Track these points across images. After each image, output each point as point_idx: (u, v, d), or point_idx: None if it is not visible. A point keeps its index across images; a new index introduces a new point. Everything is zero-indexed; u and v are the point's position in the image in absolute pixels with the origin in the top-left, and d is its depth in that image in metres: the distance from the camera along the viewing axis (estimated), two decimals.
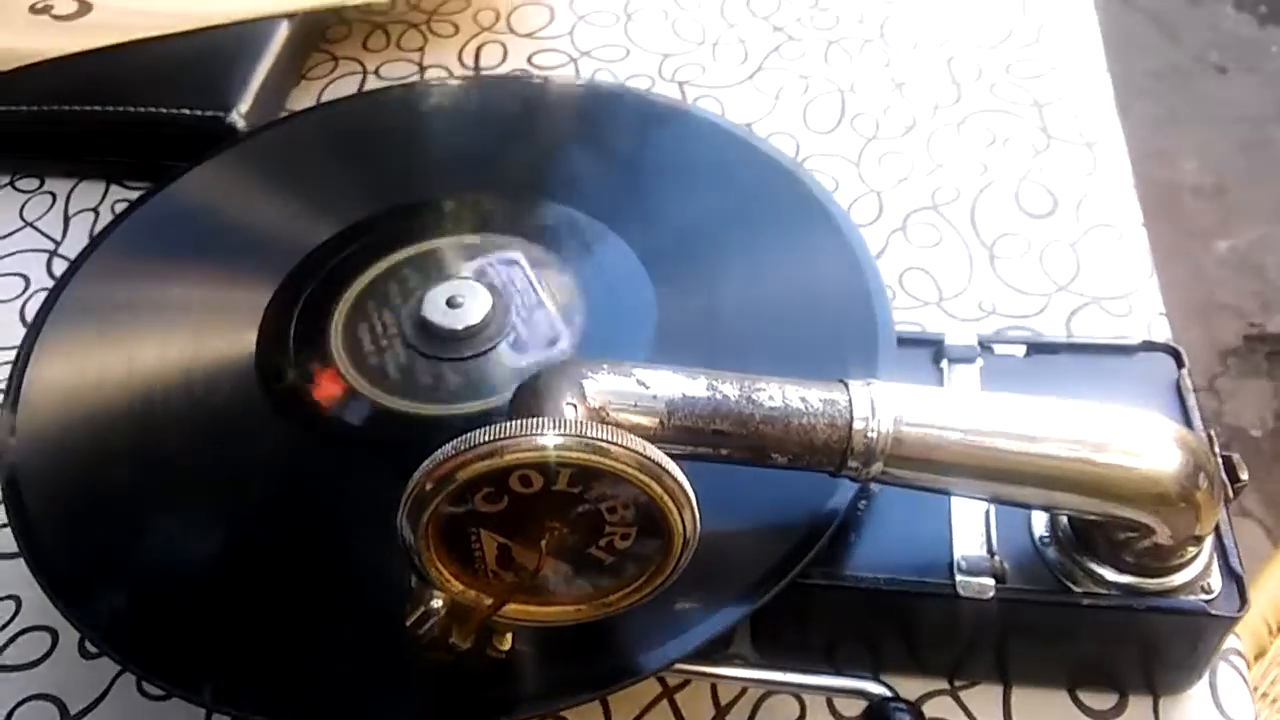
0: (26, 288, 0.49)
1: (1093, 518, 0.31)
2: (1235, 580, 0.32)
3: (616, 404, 0.28)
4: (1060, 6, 0.58)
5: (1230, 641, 0.35)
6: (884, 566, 0.33)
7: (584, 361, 0.29)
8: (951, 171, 0.51)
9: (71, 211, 0.53)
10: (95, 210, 0.53)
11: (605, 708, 0.36)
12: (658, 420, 0.28)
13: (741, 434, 0.29)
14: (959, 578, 0.32)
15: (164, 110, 0.52)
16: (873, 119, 0.54)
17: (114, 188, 0.54)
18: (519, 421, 0.24)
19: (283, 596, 0.33)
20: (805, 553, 0.31)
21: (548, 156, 0.46)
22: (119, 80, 0.53)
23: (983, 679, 0.36)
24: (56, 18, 0.55)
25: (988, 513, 0.34)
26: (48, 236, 0.52)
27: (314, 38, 0.60)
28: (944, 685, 0.36)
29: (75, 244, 0.51)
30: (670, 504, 0.26)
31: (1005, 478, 0.30)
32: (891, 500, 0.34)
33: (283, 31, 0.56)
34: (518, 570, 0.27)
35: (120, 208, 0.53)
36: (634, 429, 0.28)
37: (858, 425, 0.29)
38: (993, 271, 0.47)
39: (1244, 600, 0.31)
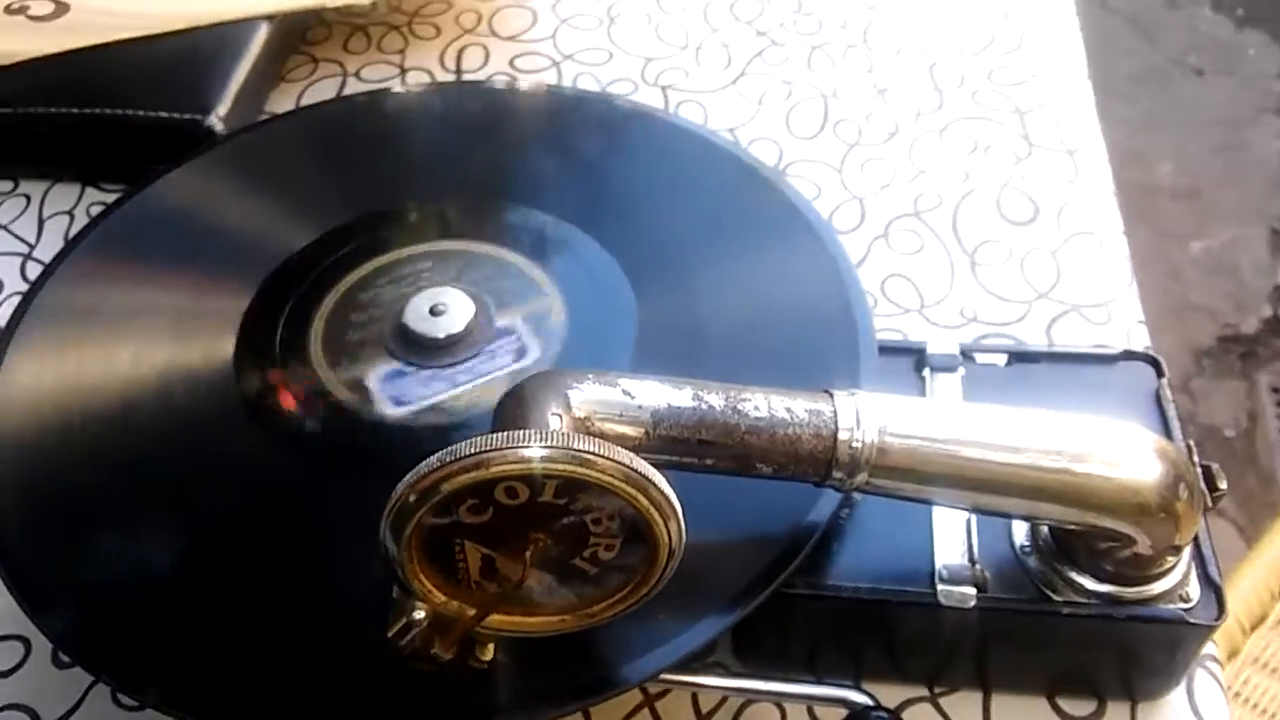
0: None
1: (1073, 528, 0.31)
2: (1213, 589, 0.32)
3: (601, 414, 0.28)
4: (1042, 13, 0.59)
5: (1207, 648, 0.35)
6: (866, 575, 0.33)
7: (569, 371, 0.29)
8: (933, 178, 0.51)
9: (46, 214, 0.52)
10: (70, 213, 0.52)
11: (586, 715, 0.36)
12: (643, 430, 0.28)
13: (727, 444, 0.29)
14: (940, 587, 0.32)
15: (141, 113, 0.51)
16: (855, 125, 0.54)
17: (89, 190, 0.53)
18: (504, 434, 0.24)
19: (260, 607, 0.32)
20: (789, 562, 0.31)
21: (531, 164, 0.46)
22: (95, 82, 0.52)
23: (963, 686, 0.36)
24: (32, 18, 0.54)
25: (969, 522, 0.34)
26: (21, 240, 0.51)
27: (294, 39, 0.60)
28: (924, 692, 0.36)
29: (50, 247, 0.51)
30: (656, 516, 0.25)
31: (988, 488, 0.30)
32: (873, 509, 0.34)
33: (262, 33, 0.55)
34: (501, 581, 0.27)
35: (96, 211, 0.52)
36: (619, 439, 0.28)
37: (843, 436, 0.29)
38: (974, 279, 0.47)
39: (1222, 609, 0.32)
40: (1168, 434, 0.35)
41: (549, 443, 0.24)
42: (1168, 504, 0.29)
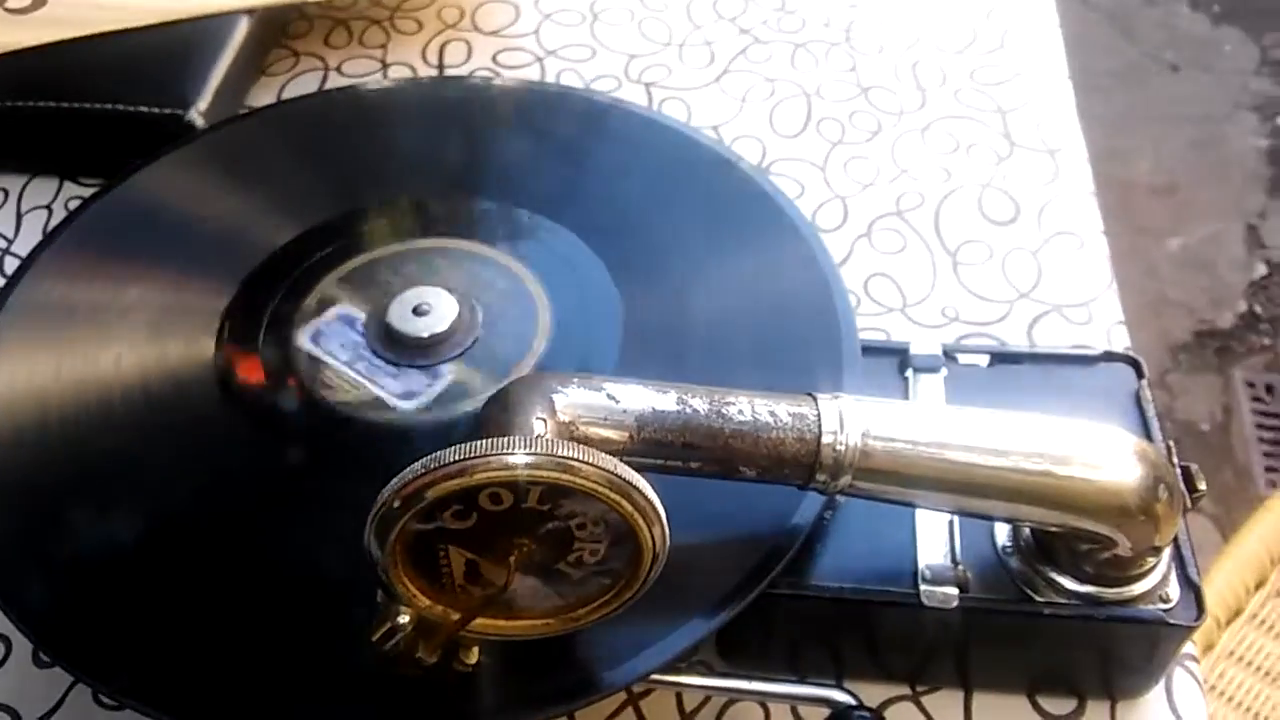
0: None
1: (1055, 529, 0.31)
2: (1193, 590, 0.32)
3: (586, 418, 0.28)
4: (1024, 13, 0.59)
5: (1186, 647, 0.36)
6: (849, 576, 0.33)
7: (554, 375, 0.29)
8: (916, 177, 0.51)
9: (24, 208, 0.52)
10: (49, 207, 0.52)
11: (570, 714, 0.36)
12: (627, 434, 0.28)
13: (711, 448, 0.29)
14: (923, 587, 0.33)
15: (121, 107, 0.51)
16: (838, 123, 0.54)
17: (68, 184, 0.53)
18: (488, 440, 0.24)
19: (242, 608, 0.32)
20: (774, 564, 0.31)
21: (516, 161, 0.46)
22: (74, 76, 0.52)
23: (944, 684, 0.36)
24: (10, 10, 0.54)
25: (952, 522, 0.34)
26: (0, 235, 0.51)
27: (275, 33, 0.59)
28: (906, 691, 0.36)
29: (28, 241, 0.50)
30: (640, 521, 0.26)
31: (970, 491, 0.30)
32: (857, 510, 0.34)
33: (243, 27, 0.55)
34: (486, 585, 0.27)
35: (74, 205, 0.52)
36: (604, 443, 0.28)
37: (826, 439, 0.29)
38: (956, 278, 0.47)
39: (1201, 610, 0.32)
40: (1148, 435, 0.36)
41: (533, 449, 0.24)
42: (1148, 506, 0.30)
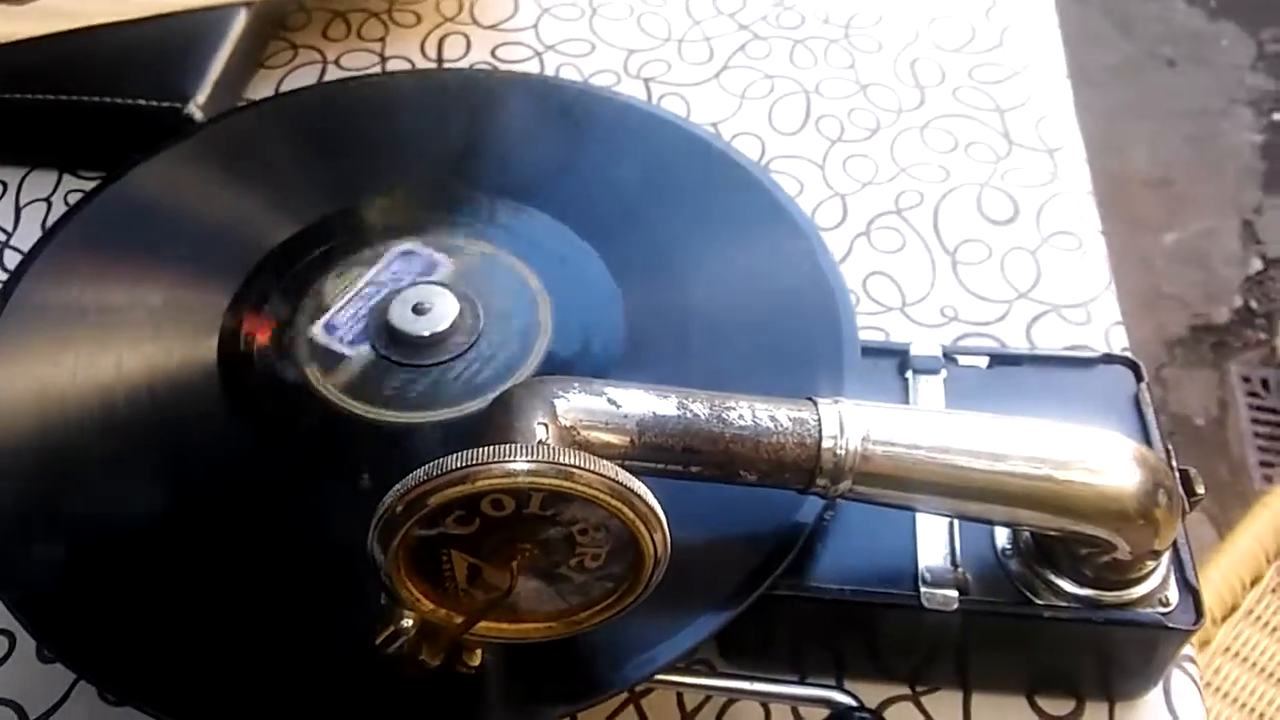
0: None
1: (1054, 534, 0.31)
2: (1192, 593, 0.33)
3: (587, 422, 0.28)
4: (1023, 10, 0.59)
5: (1184, 649, 0.36)
6: (849, 577, 0.33)
7: (556, 379, 0.29)
8: (915, 176, 0.51)
9: (23, 202, 0.52)
10: (48, 200, 0.52)
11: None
12: (629, 439, 0.28)
13: (711, 452, 0.29)
14: (923, 589, 0.33)
15: (119, 100, 0.51)
16: (837, 121, 0.54)
17: (67, 177, 0.53)
18: (491, 448, 0.24)
19: (245, 609, 0.32)
20: (775, 566, 0.32)
21: (519, 158, 0.45)
22: (73, 68, 0.52)
23: (944, 685, 0.36)
24: (7, 2, 0.54)
25: (951, 525, 0.34)
26: None
27: (273, 26, 0.59)
28: (905, 691, 0.36)
29: (27, 234, 0.50)
30: (642, 527, 0.26)
31: (970, 495, 0.30)
32: (857, 511, 0.34)
33: (241, 19, 0.55)
34: (488, 590, 0.27)
35: (74, 198, 0.52)
36: (605, 447, 0.28)
37: (826, 444, 0.29)
38: (955, 278, 0.47)
39: (1200, 614, 0.32)
40: (1146, 438, 0.36)
41: (535, 456, 0.24)
42: (1147, 511, 0.30)
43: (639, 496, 0.25)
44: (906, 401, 0.37)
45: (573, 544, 0.27)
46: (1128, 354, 0.39)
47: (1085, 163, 0.51)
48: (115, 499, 0.35)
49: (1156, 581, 0.32)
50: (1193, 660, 0.37)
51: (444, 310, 0.37)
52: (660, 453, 0.28)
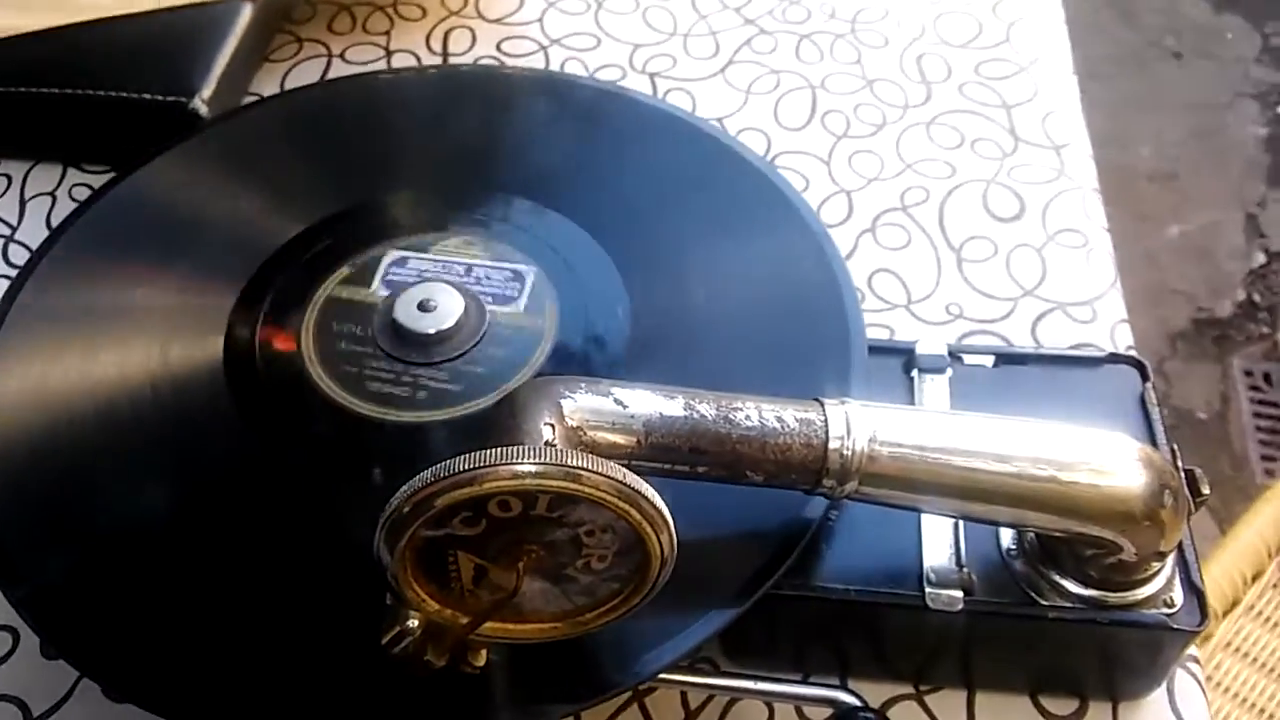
0: None
1: (1059, 535, 0.31)
2: (1196, 594, 0.33)
3: (594, 422, 0.28)
4: (1029, 7, 0.59)
5: (1188, 649, 0.36)
6: (854, 577, 0.33)
7: (562, 379, 0.28)
8: (921, 172, 0.51)
9: (28, 195, 0.52)
10: (53, 194, 0.52)
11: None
12: (635, 439, 0.28)
13: (718, 453, 0.29)
14: (928, 590, 0.33)
15: (124, 94, 0.50)
16: (843, 117, 0.54)
17: (71, 171, 0.53)
18: (498, 449, 0.24)
19: (251, 609, 0.32)
20: (780, 565, 0.32)
21: (526, 154, 0.45)
22: (78, 62, 0.52)
23: (948, 684, 0.36)
24: None
25: (957, 525, 0.34)
26: (3, 221, 0.50)
27: (278, 19, 0.59)
28: (909, 690, 0.36)
29: (31, 229, 0.50)
30: (648, 528, 0.26)
31: (976, 496, 0.30)
32: (862, 511, 0.34)
33: (246, 13, 0.54)
34: (494, 590, 0.27)
35: (78, 192, 0.52)
36: (611, 447, 0.28)
37: (833, 445, 0.29)
38: (960, 275, 0.47)
39: (1204, 615, 0.32)
40: (1152, 438, 0.36)
41: (541, 458, 0.24)
42: (1153, 512, 0.30)
43: (646, 498, 0.25)
44: (911, 400, 0.37)
45: (579, 545, 0.27)
46: (1133, 353, 0.39)
47: (1091, 159, 0.51)
48: (120, 498, 0.35)
49: (1161, 582, 0.32)
50: (1196, 660, 0.37)
51: (449, 308, 0.37)
52: (667, 453, 0.28)
